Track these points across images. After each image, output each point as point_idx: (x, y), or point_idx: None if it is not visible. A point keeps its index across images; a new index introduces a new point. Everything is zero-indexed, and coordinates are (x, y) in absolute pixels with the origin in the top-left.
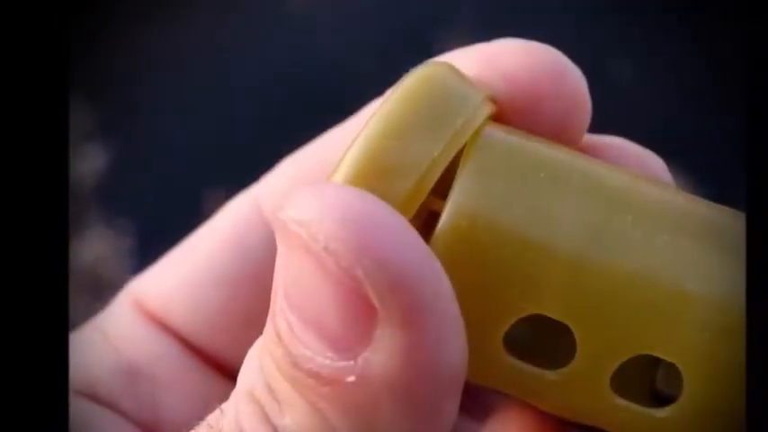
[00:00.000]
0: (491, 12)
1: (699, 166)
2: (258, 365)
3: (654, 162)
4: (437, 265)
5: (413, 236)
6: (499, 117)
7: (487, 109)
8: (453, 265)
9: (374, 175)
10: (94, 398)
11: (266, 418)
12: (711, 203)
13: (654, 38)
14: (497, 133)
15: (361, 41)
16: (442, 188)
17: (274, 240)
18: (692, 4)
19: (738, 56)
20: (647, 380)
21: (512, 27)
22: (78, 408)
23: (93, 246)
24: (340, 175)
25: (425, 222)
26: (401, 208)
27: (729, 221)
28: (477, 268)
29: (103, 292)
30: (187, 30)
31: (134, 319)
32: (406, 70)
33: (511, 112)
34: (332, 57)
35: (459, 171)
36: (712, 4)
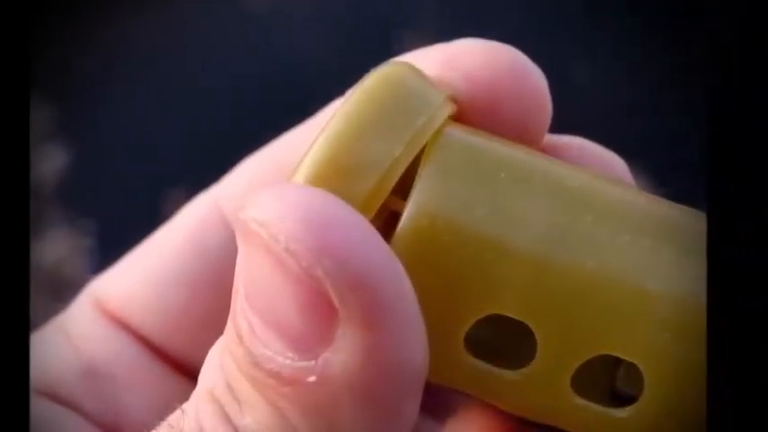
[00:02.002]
0: (453, 12)
1: (660, 167)
2: (219, 365)
3: (615, 162)
4: (398, 265)
5: (373, 236)
6: (460, 117)
7: (448, 109)
8: (414, 265)
9: (335, 175)
10: (55, 398)
11: (227, 418)
12: (672, 203)
13: (615, 39)
14: (458, 133)
15: (323, 41)
16: (403, 188)
17: (235, 240)
18: (653, 7)
19: (698, 58)
20: (608, 380)
21: (473, 28)
22: (39, 408)
23: (53, 245)
24: (301, 175)
25: (386, 222)
26: (362, 208)
27: (690, 221)
28: (438, 268)
29: (64, 291)
30: (148, 29)
31: (95, 319)
32: (367, 70)
33: (472, 112)
34: (293, 56)
35: (419, 171)
36: (673, 8)
